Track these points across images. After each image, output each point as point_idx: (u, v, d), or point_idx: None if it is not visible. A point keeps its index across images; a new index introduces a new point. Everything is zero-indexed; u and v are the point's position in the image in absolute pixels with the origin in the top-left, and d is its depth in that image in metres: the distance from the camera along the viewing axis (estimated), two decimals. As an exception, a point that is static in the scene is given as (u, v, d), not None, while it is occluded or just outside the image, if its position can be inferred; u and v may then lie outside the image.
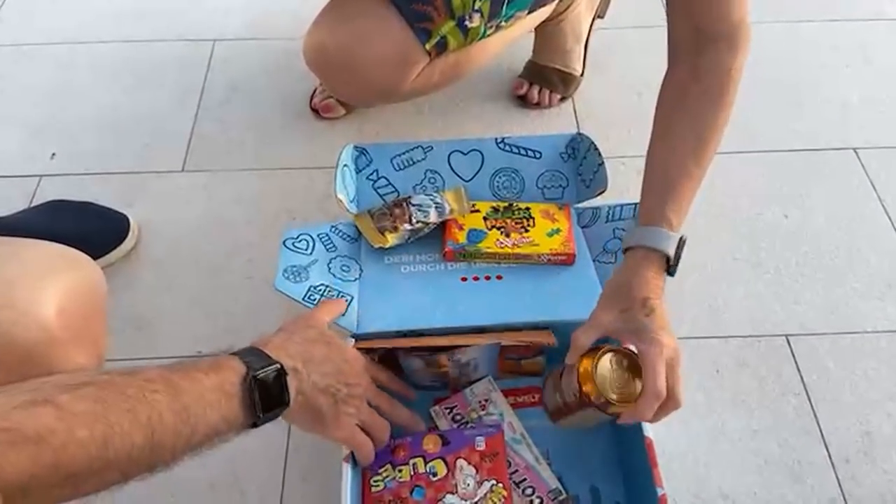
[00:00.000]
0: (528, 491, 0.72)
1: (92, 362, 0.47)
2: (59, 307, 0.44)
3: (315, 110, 1.14)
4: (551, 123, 1.12)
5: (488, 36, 0.97)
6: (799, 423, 0.81)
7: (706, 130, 0.69)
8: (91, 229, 0.93)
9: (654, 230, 0.66)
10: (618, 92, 1.16)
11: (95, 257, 0.92)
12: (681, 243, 0.67)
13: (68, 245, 0.91)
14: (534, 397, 0.80)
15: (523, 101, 1.15)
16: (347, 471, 0.67)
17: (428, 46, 0.91)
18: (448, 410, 0.79)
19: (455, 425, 0.77)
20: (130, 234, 0.95)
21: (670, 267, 0.66)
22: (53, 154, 1.09)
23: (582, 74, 1.15)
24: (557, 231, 0.87)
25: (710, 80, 0.69)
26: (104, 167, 1.08)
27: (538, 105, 1.14)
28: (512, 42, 1.06)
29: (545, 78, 1.14)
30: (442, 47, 0.93)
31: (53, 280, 0.45)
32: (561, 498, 0.72)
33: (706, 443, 0.80)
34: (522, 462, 0.74)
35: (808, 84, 1.18)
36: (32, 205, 1.01)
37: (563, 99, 1.15)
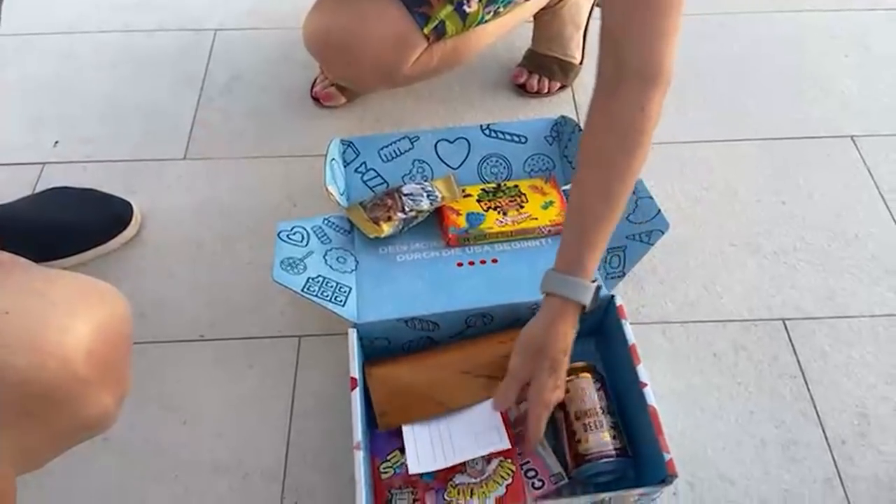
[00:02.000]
0: (531, 473, 0.73)
1: (117, 400, 0.46)
2: (88, 348, 0.42)
3: (316, 98, 1.14)
4: (551, 112, 1.12)
5: (487, 21, 0.97)
6: (796, 406, 0.82)
7: (614, 173, 0.69)
8: (93, 216, 0.94)
9: (572, 280, 0.69)
10: (617, 80, 1.16)
11: (97, 244, 0.93)
12: (596, 292, 0.69)
13: (70, 231, 0.92)
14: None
15: (523, 90, 1.16)
16: (360, 458, 0.67)
17: (426, 31, 0.92)
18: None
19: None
20: (133, 220, 0.96)
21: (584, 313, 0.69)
22: (56, 142, 1.10)
23: (581, 62, 1.16)
24: (551, 203, 0.89)
25: (622, 119, 0.68)
26: (106, 155, 1.08)
27: (538, 93, 1.15)
28: (511, 29, 1.06)
29: (544, 66, 1.14)
30: (440, 32, 0.93)
31: (83, 319, 0.43)
32: (563, 482, 0.73)
33: (703, 425, 0.81)
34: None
35: (806, 72, 1.18)
36: (35, 192, 1.01)
37: (562, 87, 1.15)
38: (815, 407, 0.82)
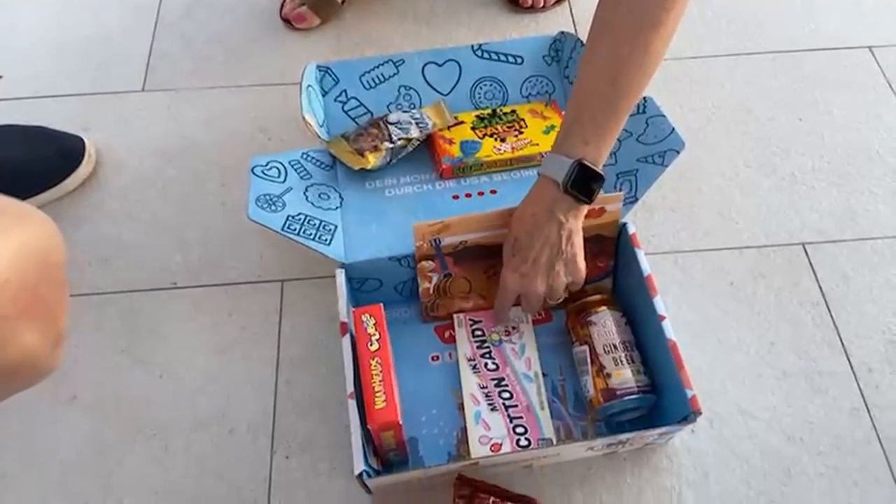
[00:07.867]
0: (520, 430, 0.68)
1: (48, 340, 0.38)
2: (3, 277, 0.35)
3: (287, 20, 1.03)
4: (547, 28, 1.03)
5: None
6: (819, 334, 0.77)
7: (625, 51, 0.60)
8: (42, 154, 0.84)
9: (551, 157, 0.64)
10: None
11: (49, 185, 0.84)
12: (576, 168, 0.61)
13: (17, 172, 0.82)
14: (540, 314, 0.75)
15: (515, 5, 1.05)
16: (353, 407, 0.62)
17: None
18: (471, 322, 0.75)
19: (472, 340, 0.74)
20: (86, 157, 0.86)
21: (570, 192, 0.62)
22: (0, 76, 0.99)
23: (578, -28, 1.06)
24: (553, 127, 0.81)
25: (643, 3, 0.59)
26: (56, 90, 0.97)
27: (532, 8, 1.05)
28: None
29: (538, -23, 1.04)
30: None
31: None
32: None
33: (722, 358, 0.75)
34: (525, 401, 0.69)
35: (820, -21, 1.09)
36: (-23, 132, 0.91)
37: (559, 0, 1.05)
38: (838, 334, 0.77)
